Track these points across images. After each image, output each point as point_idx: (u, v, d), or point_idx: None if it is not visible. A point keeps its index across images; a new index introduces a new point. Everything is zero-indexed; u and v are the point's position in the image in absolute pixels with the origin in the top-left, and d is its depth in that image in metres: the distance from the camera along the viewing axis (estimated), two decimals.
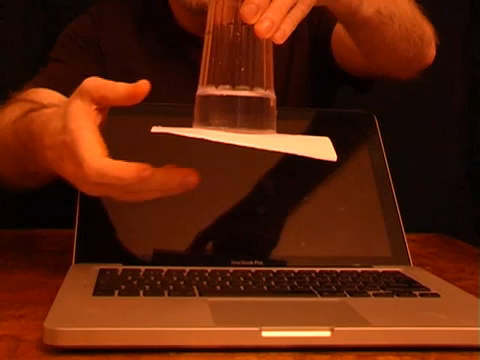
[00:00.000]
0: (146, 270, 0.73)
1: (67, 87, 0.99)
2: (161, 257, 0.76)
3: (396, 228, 0.82)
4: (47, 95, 0.94)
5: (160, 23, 1.07)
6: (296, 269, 0.75)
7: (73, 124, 0.65)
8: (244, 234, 0.80)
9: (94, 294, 0.66)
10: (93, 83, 0.67)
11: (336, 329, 0.58)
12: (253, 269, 0.75)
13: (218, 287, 0.69)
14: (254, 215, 0.81)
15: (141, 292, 0.66)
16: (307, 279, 0.72)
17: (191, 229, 0.79)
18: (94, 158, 0.63)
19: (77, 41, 1.06)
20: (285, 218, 0.82)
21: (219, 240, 0.79)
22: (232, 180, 0.83)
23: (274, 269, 0.75)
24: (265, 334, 0.57)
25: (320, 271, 0.75)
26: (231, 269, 0.75)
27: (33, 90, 0.95)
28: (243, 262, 0.77)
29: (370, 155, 0.87)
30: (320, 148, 0.65)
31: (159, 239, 0.79)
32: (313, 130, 0.88)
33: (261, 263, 0.77)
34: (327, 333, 0.58)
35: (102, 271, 0.72)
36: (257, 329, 0.57)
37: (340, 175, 0.85)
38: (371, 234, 0.82)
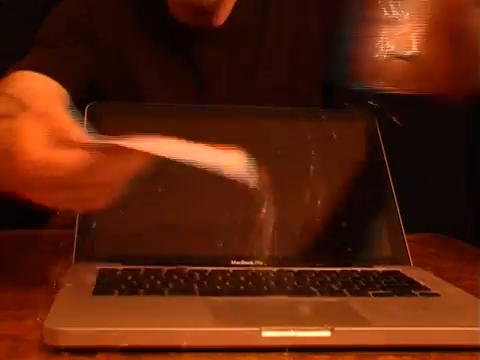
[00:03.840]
0: (146, 270, 0.73)
1: (53, 72, 0.99)
2: (161, 257, 0.76)
3: (396, 228, 0.82)
4: (29, 84, 0.92)
5: (157, 16, 1.05)
6: (296, 269, 0.75)
7: (20, 116, 0.63)
8: (244, 234, 0.80)
9: (94, 294, 0.66)
10: (58, 121, 0.63)
11: (336, 329, 0.58)
12: (253, 269, 0.75)
13: (218, 287, 0.69)
14: (254, 215, 0.81)
15: (141, 291, 0.66)
16: (307, 279, 0.72)
17: (191, 229, 0.79)
18: (38, 147, 0.60)
19: (67, 24, 1.03)
20: (285, 218, 0.82)
21: (219, 240, 0.79)
22: (232, 180, 0.83)
23: (274, 269, 0.75)
24: (265, 334, 0.57)
25: (320, 271, 0.75)
26: (231, 269, 0.75)
27: (16, 76, 0.92)
28: (243, 262, 0.77)
29: (370, 155, 0.87)
30: (231, 161, 0.67)
31: (159, 239, 0.79)
32: (313, 130, 0.88)
33: (261, 263, 0.77)
34: (327, 333, 0.58)
35: (102, 271, 0.72)
36: (257, 329, 0.57)
37: (340, 175, 0.85)
38: (371, 234, 0.82)
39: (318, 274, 0.74)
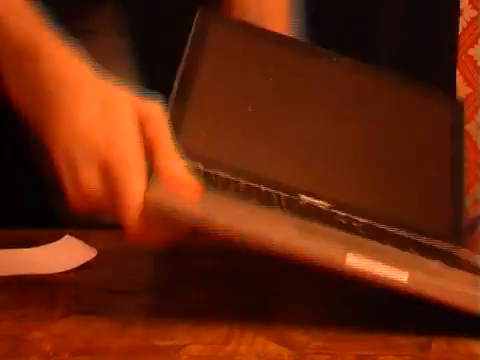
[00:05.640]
0: (226, 178, 0.73)
1: None
2: (237, 168, 0.76)
3: (458, 211, 0.82)
4: None
5: None
6: (361, 219, 0.75)
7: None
8: (319, 173, 0.80)
9: None
10: (159, 124, 0.62)
11: (414, 274, 0.58)
12: (322, 207, 0.75)
13: (296, 208, 0.69)
14: (333, 157, 0.81)
15: (226, 193, 0.67)
16: (375, 230, 0.72)
17: (275, 151, 0.79)
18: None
19: None
20: (360, 169, 0.81)
21: (294, 170, 0.79)
22: (320, 117, 0.82)
23: (342, 213, 0.75)
24: (349, 260, 0.57)
25: (386, 228, 0.75)
26: (302, 201, 0.75)
27: None
28: (311, 199, 0.76)
29: (451, 137, 0.85)
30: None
31: (242, 151, 0.79)
32: (404, 97, 0.87)
33: (328, 204, 0.76)
34: (405, 275, 0.58)
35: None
36: (342, 252, 0.57)
37: (421, 145, 0.85)
38: (436, 211, 0.82)
39: (384, 230, 0.74)
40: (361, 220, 0.75)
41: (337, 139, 0.82)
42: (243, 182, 0.73)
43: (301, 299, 0.70)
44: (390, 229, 0.76)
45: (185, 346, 0.57)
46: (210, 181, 0.70)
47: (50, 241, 0.84)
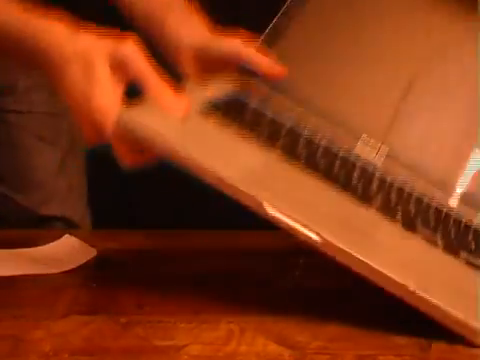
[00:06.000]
0: (274, 117, 0.71)
1: None
2: (302, 99, 0.75)
3: None
4: None
5: None
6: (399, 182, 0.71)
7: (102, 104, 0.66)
8: (390, 122, 0.75)
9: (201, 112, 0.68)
10: (138, 61, 0.67)
11: (326, 237, 0.58)
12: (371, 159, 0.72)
13: (304, 152, 0.68)
14: (410, 116, 0.75)
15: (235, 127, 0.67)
16: (418, 205, 0.68)
17: (346, 93, 0.77)
18: (112, 118, 0.65)
19: None
20: (435, 132, 0.76)
21: (363, 113, 0.75)
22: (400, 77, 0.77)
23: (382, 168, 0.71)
24: (267, 208, 0.58)
25: (437, 207, 0.69)
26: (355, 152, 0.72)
27: None
28: (372, 141, 0.72)
29: None
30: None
31: (313, 86, 0.77)
32: None
33: (387, 151, 0.72)
34: (316, 237, 0.58)
35: (233, 94, 0.72)
36: (262, 202, 0.58)
37: None
38: None
39: (429, 207, 0.68)
40: (398, 180, 0.70)
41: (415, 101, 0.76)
42: (288, 125, 0.70)
43: (301, 299, 0.70)
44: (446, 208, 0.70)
45: (185, 346, 0.57)
46: (247, 114, 0.70)
47: (50, 241, 0.84)
